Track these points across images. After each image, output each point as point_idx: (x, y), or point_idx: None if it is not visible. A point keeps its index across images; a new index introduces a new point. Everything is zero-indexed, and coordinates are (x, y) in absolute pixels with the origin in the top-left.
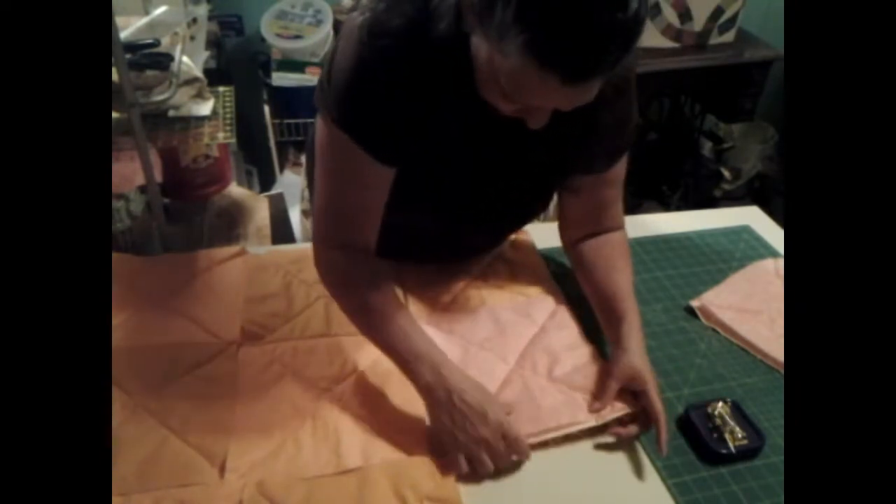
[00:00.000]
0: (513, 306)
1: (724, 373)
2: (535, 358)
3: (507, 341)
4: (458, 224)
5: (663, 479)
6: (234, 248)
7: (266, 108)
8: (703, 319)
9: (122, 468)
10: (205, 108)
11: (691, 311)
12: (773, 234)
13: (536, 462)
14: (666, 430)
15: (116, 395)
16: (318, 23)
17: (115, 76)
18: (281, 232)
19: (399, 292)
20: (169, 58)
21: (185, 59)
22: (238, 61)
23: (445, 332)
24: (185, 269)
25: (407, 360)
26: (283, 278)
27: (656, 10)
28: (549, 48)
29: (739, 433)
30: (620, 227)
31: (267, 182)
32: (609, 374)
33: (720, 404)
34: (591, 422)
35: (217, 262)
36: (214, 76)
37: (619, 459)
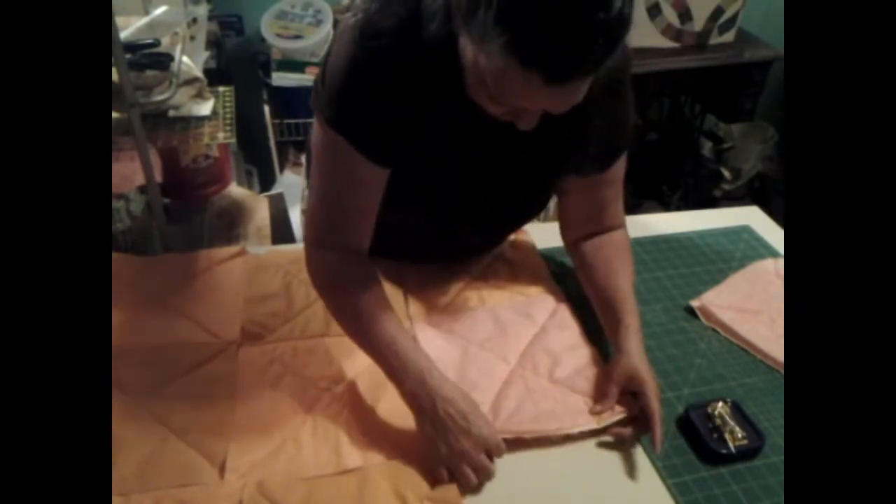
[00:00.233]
0: (513, 306)
1: (724, 373)
2: (536, 358)
3: (508, 341)
4: (451, 225)
5: (663, 479)
6: (234, 248)
7: (266, 108)
8: (703, 319)
9: (122, 468)
10: (205, 108)
11: (691, 311)
12: (773, 234)
13: (536, 462)
14: (661, 429)
15: (116, 395)
16: (318, 23)
17: (115, 76)
18: (281, 232)
19: (399, 292)
20: (169, 58)
21: (185, 59)
22: (238, 61)
23: (445, 332)
24: (185, 269)
25: (392, 367)
26: (283, 278)
27: (656, 10)
28: (529, 48)
29: (739, 433)
30: (621, 225)
31: (267, 182)
32: (608, 378)
33: (720, 404)
34: (592, 425)
35: (217, 262)
36: (214, 76)
37: (619, 459)
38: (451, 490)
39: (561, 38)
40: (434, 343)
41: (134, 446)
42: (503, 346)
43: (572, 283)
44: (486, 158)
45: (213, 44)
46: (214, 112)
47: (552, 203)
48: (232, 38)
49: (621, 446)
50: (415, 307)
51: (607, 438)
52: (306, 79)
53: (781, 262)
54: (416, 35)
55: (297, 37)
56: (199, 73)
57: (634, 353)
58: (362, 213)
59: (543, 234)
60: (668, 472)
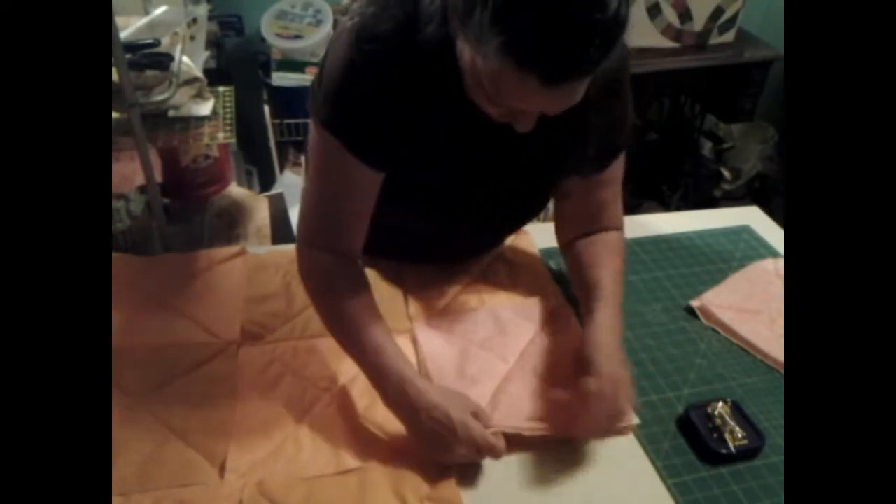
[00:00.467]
0: (513, 306)
1: (724, 373)
2: (536, 358)
3: (508, 341)
4: (451, 225)
5: (663, 479)
6: (234, 248)
7: (266, 108)
8: (703, 319)
9: (122, 468)
10: (205, 108)
11: (691, 311)
12: (773, 234)
13: (536, 462)
14: (599, 420)
15: (116, 395)
16: (318, 23)
17: (115, 76)
18: (281, 232)
19: (399, 292)
20: (169, 58)
21: (185, 59)
22: (238, 61)
23: (445, 332)
24: (185, 269)
25: (375, 375)
26: (283, 278)
27: (656, 10)
28: (525, 49)
29: (739, 433)
30: (617, 227)
31: (267, 182)
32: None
33: (720, 404)
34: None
35: (217, 262)
36: (214, 76)
37: (619, 459)
38: (451, 490)
39: (557, 39)
40: (434, 343)
41: (134, 446)
42: (503, 346)
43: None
44: (484, 159)
45: (213, 44)
46: (214, 112)
47: (552, 203)
48: (232, 38)
49: (621, 446)
50: (415, 307)
51: (607, 438)
52: (306, 79)
53: (781, 262)
54: (413, 38)
55: (297, 37)
56: (199, 73)
57: (591, 341)
58: (356, 215)
59: (543, 234)
60: (668, 472)
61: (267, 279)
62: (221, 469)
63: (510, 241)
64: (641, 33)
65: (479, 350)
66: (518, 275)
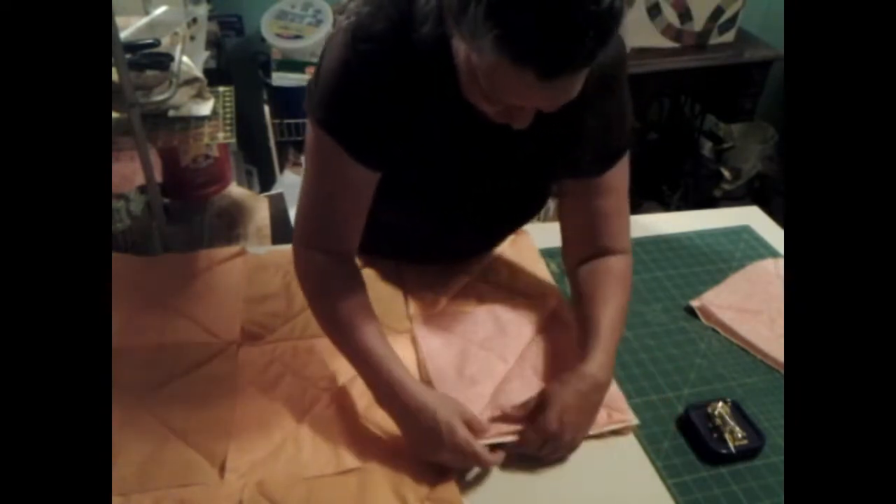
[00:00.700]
0: (513, 306)
1: (724, 373)
2: (535, 359)
3: (507, 341)
4: (448, 225)
5: (663, 479)
6: (234, 248)
7: (266, 108)
8: (703, 319)
9: (122, 468)
10: (205, 108)
11: (691, 311)
12: (773, 234)
13: (536, 462)
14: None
15: (116, 395)
16: (318, 23)
17: (115, 76)
18: (281, 232)
19: (399, 292)
20: (169, 58)
21: (185, 59)
22: (238, 61)
23: (445, 332)
24: (185, 269)
25: (368, 375)
26: (283, 278)
27: (656, 10)
28: (520, 43)
29: (739, 433)
30: (622, 251)
31: (267, 182)
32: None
33: (720, 404)
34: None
35: (217, 262)
36: (214, 76)
37: (619, 459)
38: (450, 490)
39: (552, 32)
40: (434, 343)
41: (134, 446)
42: (503, 346)
43: None
44: (482, 158)
45: (213, 44)
46: (214, 112)
47: (552, 203)
48: (232, 38)
49: (621, 446)
50: (414, 307)
51: (607, 438)
52: (306, 79)
53: (781, 262)
54: (409, 37)
55: (297, 37)
56: (199, 73)
57: (566, 379)
58: (351, 215)
59: (543, 234)
60: (668, 472)
61: (267, 279)
62: (221, 469)
63: (510, 241)
64: (641, 33)
65: (479, 350)
66: (518, 275)
